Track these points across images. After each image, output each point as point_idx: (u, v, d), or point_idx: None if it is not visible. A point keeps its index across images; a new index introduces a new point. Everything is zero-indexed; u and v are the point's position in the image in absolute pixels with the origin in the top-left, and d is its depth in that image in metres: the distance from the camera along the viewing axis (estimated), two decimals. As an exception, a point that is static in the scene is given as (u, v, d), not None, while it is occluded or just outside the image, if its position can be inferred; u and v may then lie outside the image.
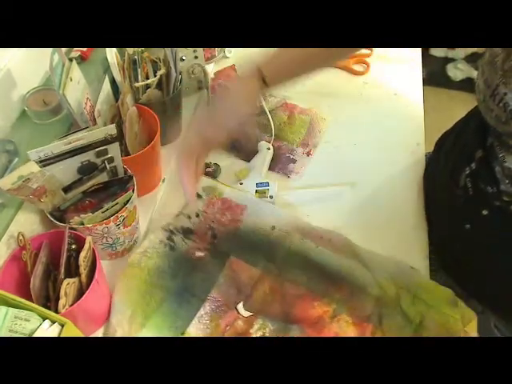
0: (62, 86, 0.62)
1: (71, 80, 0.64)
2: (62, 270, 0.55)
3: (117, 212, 0.60)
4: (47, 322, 0.47)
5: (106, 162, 0.61)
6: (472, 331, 0.61)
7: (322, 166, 0.82)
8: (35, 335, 0.46)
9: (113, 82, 0.75)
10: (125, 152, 0.69)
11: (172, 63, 0.74)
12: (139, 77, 0.76)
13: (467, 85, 2.00)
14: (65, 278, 0.53)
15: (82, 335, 0.52)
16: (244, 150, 0.82)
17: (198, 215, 0.72)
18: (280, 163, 0.81)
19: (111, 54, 0.75)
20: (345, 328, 0.61)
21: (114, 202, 0.60)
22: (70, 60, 0.66)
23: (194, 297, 0.63)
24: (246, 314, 0.62)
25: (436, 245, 0.73)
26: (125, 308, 0.61)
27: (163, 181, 0.78)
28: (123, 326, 0.59)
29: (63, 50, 0.64)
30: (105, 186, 0.64)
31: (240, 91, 0.60)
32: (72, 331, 0.48)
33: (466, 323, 0.61)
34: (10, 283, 0.55)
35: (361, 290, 0.64)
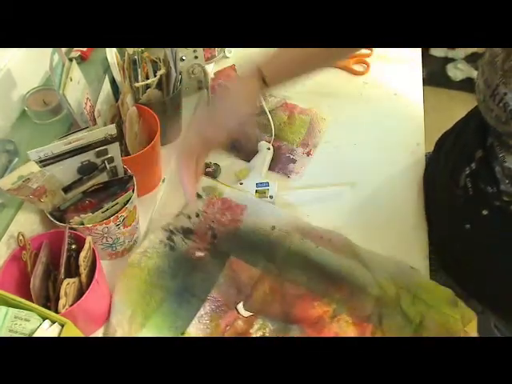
0: (62, 86, 0.62)
1: (71, 80, 0.64)
2: (62, 270, 0.55)
3: (117, 212, 0.60)
4: (47, 321, 0.47)
5: (105, 161, 0.61)
6: (472, 331, 0.61)
7: (322, 166, 0.82)
8: (35, 335, 0.46)
9: (113, 81, 0.75)
10: (125, 152, 0.69)
11: (172, 63, 0.74)
12: (139, 77, 0.76)
13: (467, 85, 2.00)
14: (65, 278, 0.53)
15: (82, 335, 0.52)
16: (244, 150, 0.82)
17: (198, 215, 0.71)
18: (280, 163, 0.81)
19: (111, 54, 0.75)
20: (345, 328, 0.61)
21: (114, 202, 0.60)
22: (70, 60, 0.66)
23: (194, 297, 0.63)
24: (246, 314, 0.62)
25: (436, 245, 0.73)
26: (125, 308, 0.61)
27: (163, 181, 0.78)
28: (123, 326, 0.59)
29: (63, 49, 0.64)
30: (105, 186, 0.64)
31: (240, 91, 0.60)
32: (72, 331, 0.48)
33: (466, 323, 0.61)
34: (9, 283, 0.55)
35: (361, 290, 0.64)
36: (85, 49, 0.79)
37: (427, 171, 0.80)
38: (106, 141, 0.59)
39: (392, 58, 1.01)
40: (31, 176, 0.53)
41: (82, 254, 0.54)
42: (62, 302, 0.51)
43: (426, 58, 1.04)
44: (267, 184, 0.76)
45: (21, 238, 0.55)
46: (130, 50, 0.76)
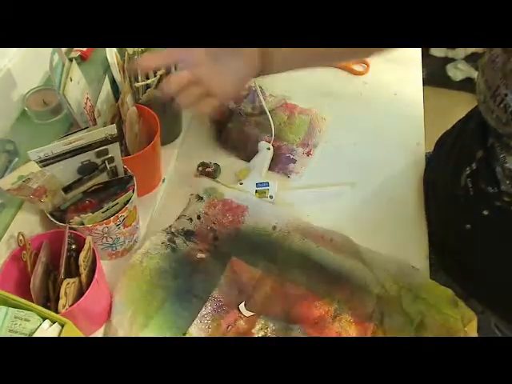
0: (62, 86, 0.62)
1: (71, 80, 0.64)
2: (62, 270, 0.55)
3: (117, 212, 0.60)
4: (47, 321, 0.47)
5: (106, 161, 0.61)
6: (472, 331, 0.61)
7: (322, 166, 0.82)
8: (35, 335, 0.46)
9: (113, 81, 0.75)
10: (125, 152, 0.69)
11: (172, 63, 0.74)
12: (139, 77, 0.76)
13: (467, 85, 2.00)
14: (65, 278, 0.53)
15: (82, 335, 0.52)
16: (244, 150, 0.82)
17: (199, 217, 0.72)
18: (280, 163, 0.81)
19: (111, 53, 0.75)
20: (346, 328, 0.61)
21: (114, 202, 0.60)
22: (70, 60, 0.66)
23: (196, 297, 0.63)
24: (248, 314, 0.62)
25: (436, 245, 0.73)
26: (125, 308, 0.61)
27: (163, 181, 0.78)
28: (124, 327, 0.59)
29: (63, 49, 0.64)
30: (105, 185, 0.64)
31: (241, 53, 0.58)
32: (72, 331, 0.48)
33: (466, 323, 0.61)
34: (9, 283, 0.55)
35: (362, 290, 0.64)
36: (85, 49, 0.79)
37: (427, 171, 0.80)
38: (106, 141, 0.59)
39: (392, 58, 1.01)
40: (31, 176, 0.53)
41: (82, 254, 0.54)
42: (61, 302, 0.51)
43: (425, 58, 1.04)
44: (267, 184, 0.76)
45: (21, 237, 0.55)
46: (130, 50, 0.76)
